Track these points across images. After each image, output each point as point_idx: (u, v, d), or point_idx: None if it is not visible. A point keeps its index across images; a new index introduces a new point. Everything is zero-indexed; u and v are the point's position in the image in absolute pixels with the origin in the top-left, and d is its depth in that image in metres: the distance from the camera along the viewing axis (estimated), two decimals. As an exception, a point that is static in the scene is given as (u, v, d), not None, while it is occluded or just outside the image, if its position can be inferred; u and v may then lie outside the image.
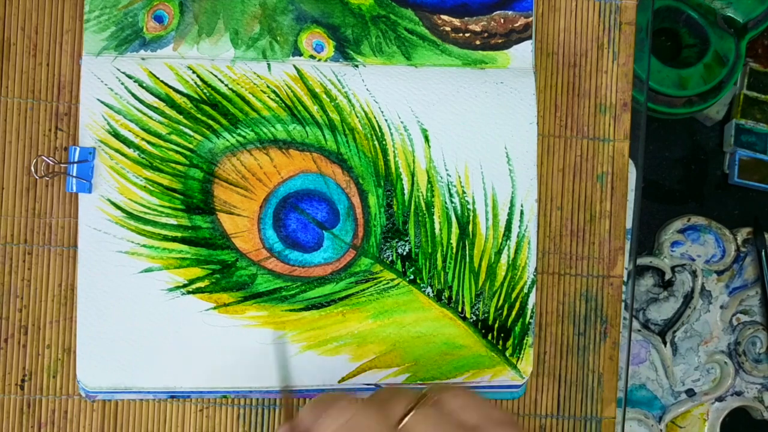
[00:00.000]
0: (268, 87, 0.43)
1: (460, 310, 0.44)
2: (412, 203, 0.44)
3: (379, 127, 0.44)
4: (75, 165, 0.42)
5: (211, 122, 0.43)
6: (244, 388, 0.43)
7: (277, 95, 0.43)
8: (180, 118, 0.43)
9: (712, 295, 0.57)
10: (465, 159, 0.44)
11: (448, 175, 0.44)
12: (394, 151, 0.44)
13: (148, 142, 0.43)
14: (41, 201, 0.44)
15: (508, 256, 0.44)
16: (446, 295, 0.44)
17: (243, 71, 0.43)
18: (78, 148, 0.42)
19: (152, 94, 0.43)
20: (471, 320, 0.44)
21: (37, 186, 0.44)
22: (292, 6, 0.44)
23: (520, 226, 0.44)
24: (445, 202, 0.44)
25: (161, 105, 0.43)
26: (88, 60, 0.43)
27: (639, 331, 0.57)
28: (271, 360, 0.42)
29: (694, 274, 0.57)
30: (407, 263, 0.44)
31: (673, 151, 0.60)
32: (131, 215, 0.42)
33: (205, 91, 0.43)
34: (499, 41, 0.45)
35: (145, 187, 0.42)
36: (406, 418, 0.32)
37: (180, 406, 0.44)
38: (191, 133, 0.43)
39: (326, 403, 0.33)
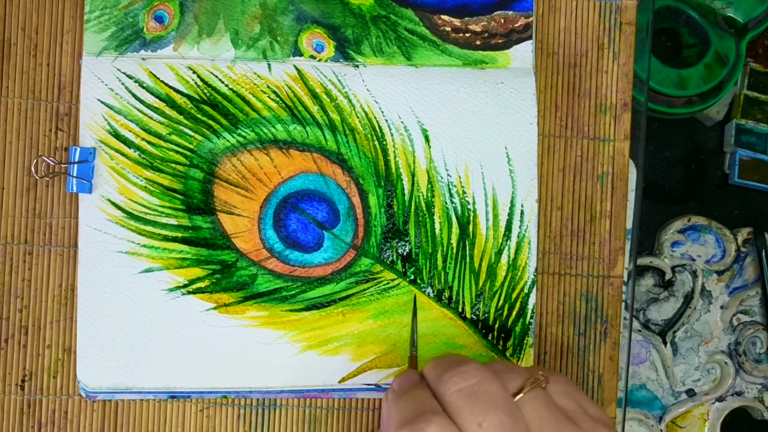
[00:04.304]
0: (268, 87, 0.43)
1: (460, 310, 0.44)
2: (413, 203, 0.44)
3: (380, 127, 0.44)
4: (75, 165, 0.42)
5: (211, 122, 0.43)
6: (244, 388, 0.43)
7: (278, 95, 0.43)
8: (180, 118, 0.43)
9: (713, 295, 0.57)
10: (465, 159, 0.44)
11: (448, 175, 0.44)
12: (394, 152, 0.44)
13: (149, 143, 0.43)
14: (41, 201, 0.44)
15: (509, 257, 0.44)
16: (446, 296, 0.44)
17: (243, 71, 0.43)
18: (78, 149, 0.42)
19: (152, 94, 0.43)
20: (471, 320, 0.44)
21: (37, 186, 0.44)
22: (292, 6, 0.44)
23: (520, 227, 0.44)
24: (446, 202, 0.44)
25: (161, 105, 0.43)
26: (88, 60, 0.43)
27: (639, 331, 0.57)
28: (271, 360, 0.42)
29: (694, 274, 0.57)
30: (407, 263, 0.44)
31: (673, 151, 0.60)
32: (131, 215, 0.42)
33: (205, 91, 0.43)
34: (500, 41, 0.45)
35: (145, 187, 0.42)
36: (521, 394, 0.35)
37: (180, 406, 0.44)
38: (191, 133, 0.43)
39: (452, 363, 0.36)
